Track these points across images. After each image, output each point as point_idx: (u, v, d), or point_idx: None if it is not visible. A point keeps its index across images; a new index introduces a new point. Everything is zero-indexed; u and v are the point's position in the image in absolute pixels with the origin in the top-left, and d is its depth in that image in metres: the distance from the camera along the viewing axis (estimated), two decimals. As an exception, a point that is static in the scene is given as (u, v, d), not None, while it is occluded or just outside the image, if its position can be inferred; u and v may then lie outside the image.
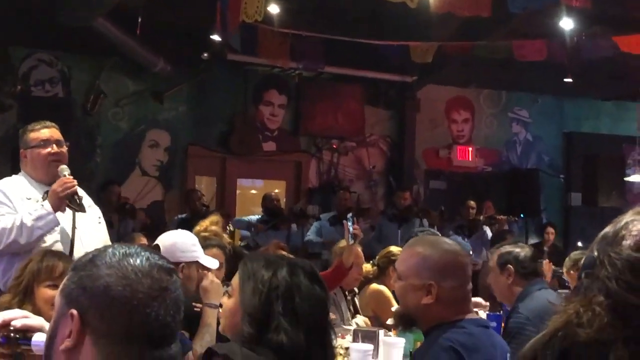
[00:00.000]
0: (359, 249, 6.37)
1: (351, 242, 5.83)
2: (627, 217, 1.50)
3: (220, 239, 4.83)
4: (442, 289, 2.95)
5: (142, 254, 1.58)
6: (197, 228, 4.97)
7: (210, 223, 4.91)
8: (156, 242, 4.42)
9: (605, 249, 1.28)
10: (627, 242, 1.27)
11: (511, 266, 4.73)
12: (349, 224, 5.78)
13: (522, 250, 4.82)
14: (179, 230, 4.59)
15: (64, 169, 4.50)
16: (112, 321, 1.50)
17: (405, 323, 3.12)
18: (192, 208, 10.81)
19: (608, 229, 1.43)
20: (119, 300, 1.50)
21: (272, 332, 2.53)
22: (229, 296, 2.77)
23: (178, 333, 1.60)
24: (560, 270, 7.36)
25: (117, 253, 1.57)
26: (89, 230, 4.57)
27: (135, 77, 12.09)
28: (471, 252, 7.15)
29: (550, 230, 11.95)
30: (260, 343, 2.54)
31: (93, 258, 1.57)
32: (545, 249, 10.75)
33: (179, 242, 4.39)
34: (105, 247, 1.60)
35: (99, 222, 4.71)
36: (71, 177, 4.46)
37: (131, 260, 1.55)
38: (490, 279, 4.88)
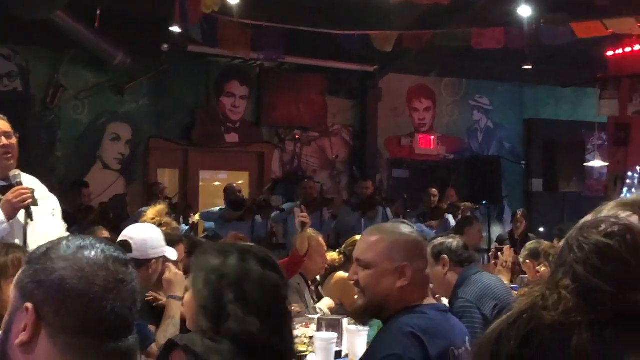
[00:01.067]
0: (320, 238, 6.40)
1: (299, 230, 5.84)
2: (609, 207, 1.52)
3: (170, 228, 4.80)
4: (415, 270, 2.97)
5: (97, 246, 1.58)
6: (146, 219, 4.89)
7: (157, 214, 4.86)
8: (123, 237, 4.37)
9: (575, 235, 1.29)
10: (598, 228, 1.29)
11: (445, 256, 4.82)
12: (297, 212, 5.81)
13: (454, 241, 4.95)
14: (147, 226, 4.56)
15: (17, 175, 4.36)
16: (68, 314, 1.49)
17: (369, 315, 3.12)
18: (155, 201, 10.73)
19: (587, 218, 1.45)
20: (75, 293, 1.50)
21: (226, 321, 2.54)
22: (186, 290, 2.78)
23: (136, 325, 1.60)
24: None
25: (72, 245, 1.56)
26: (43, 222, 4.50)
27: (95, 70, 11.98)
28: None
29: (521, 219, 11.97)
30: (219, 333, 2.55)
31: (47, 251, 1.56)
32: (517, 238, 10.78)
33: (149, 239, 4.37)
34: (60, 240, 1.59)
35: (53, 215, 4.64)
36: (26, 187, 4.33)
37: (86, 253, 1.54)
38: None
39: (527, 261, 6.81)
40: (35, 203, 4.40)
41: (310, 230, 6.25)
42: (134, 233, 4.39)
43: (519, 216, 11.53)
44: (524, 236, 10.74)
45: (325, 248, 6.46)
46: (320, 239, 6.38)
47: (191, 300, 2.69)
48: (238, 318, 2.54)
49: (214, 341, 2.52)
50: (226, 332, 2.53)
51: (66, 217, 4.93)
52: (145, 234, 4.39)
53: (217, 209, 11.05)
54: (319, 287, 6.54)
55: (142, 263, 4.26)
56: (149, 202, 10.91)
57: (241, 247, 2.75)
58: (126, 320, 1.54)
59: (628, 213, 4.55)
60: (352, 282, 3.08)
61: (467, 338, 3.04)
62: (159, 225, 4.69)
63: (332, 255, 6.71)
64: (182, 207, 11.20)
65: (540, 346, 1.24)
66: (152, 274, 4.34)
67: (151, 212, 4.93)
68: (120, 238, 4.38)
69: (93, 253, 1.55)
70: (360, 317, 3.18)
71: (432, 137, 14.47)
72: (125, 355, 1.53)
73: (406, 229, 3.13)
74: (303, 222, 5.84)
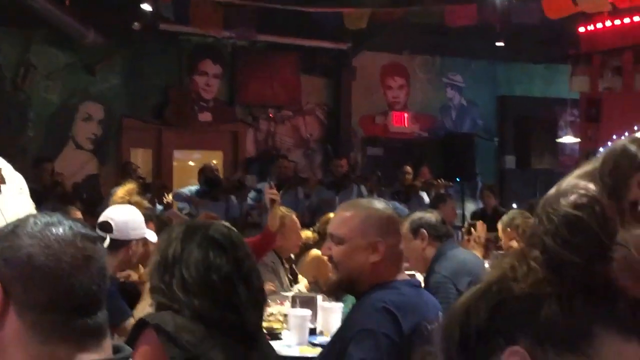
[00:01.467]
0: (294, 216, 6.42)
1: (269, 206, 5.84)
2: (569, 178, 1.52)
3: (140, 208, 4.78)
4: (387, 245, 2.98)
5: (65, 222, 1.56)
6: (115, 198, 4.85)
7: (127, 193, 4.83)
8: (104, 218, 4.35)
9: (544, 206, 1.30)
10: (567, 200, 1.30)
11: (424, 230, 4.85)
12: (265, 190, 5.81)
13: (432, 215, 4.99)
14: (128, 207, 4.54)
15: None
16: (36, 291, 1.48)
17: (342, 290, 3.13)
18: (128, 181, 10.70)
19: (551, 191, 1.44)
20: (43, 270, 1.49)
21: (173, 303, 2.56)
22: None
23: (112, 300, 1.60)
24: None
25: (39, 222, 1.55)
26: (9, 200, 4.46)
27: (66, 50, 11.89)
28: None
29: (487, 193, 12.08)
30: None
31: (14, 229, 1.55)
32: (488, 213, 10.85)
33: (130, 220, 4.36)
34: (27, 217, 1.58)
35: (20, 193, 4.60)
36: None
37: (54, 230, 1.53)
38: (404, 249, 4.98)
39: (508, 229, 6.81)
40: (3, 181, 4.36)
41: (283, 209, 6.26)
42: (114, 214, 4.37)
43: (485, 192, 11.62)
44: (495, 211, 10.82)
45: (299, 226, 6.48)
46: (294, 216, 6.40)
47: None
48: (179, 299, 2.56)
49: (185, 318, 2.54)
50: (177, 311, 2.56)
51: (33, 195, 4.88)
52: (126, 216, 4.38)
53: (187, 190, 11.00)
54: (294, 266, 6.55)
55: (123, 244, 4.27)
56: (122, 182, 10.86)
57: (189, 227, 2.76)
58: (95, 297, 1.53)
59: (586, 182, 4.57)
60: (326, 258, 3.09)
61: (440, 313, 3.06)
62: (128, 204, 4.67)
63: (307, 234, 6.74)
64: (156, 187, 11.15)
65: (510, 318, 1.25)
66: (132, 255, 4.34)
67: (121, 191, 4.89)
68: (100, 219, 4.35)
69: (61, 230, 1.54)
70: (334, 293, 3.19)
71: (406, 115, 14.49)
72: (94, 331, 1.52)
73: (380, 204, 3.14)
74: (272, 199, 5.84)
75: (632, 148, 3.97)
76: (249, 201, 11.18)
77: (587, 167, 3.81)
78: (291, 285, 6.29)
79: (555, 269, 1.24)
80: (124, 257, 4.26)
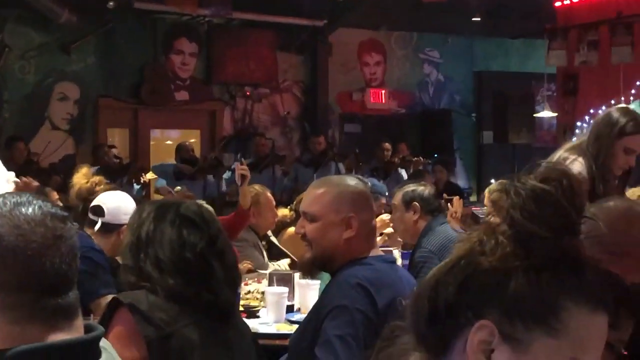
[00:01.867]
0: (268, 193, 6.42)
1: (239, 183, 5.83)
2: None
3: (107, 186, 4.77)
4: (361, 221, 2.98)
5: (34, 202, 1.55)
6: (79, 187, 4.78)
7: (84, 177, 4.80)
8: (97, 202, 4.40)
9: (513, 180, 1.30)
10: (535, 174, 1.30)
11: (417, 203, 4.86)
12: (235, 167, 5.80)
13: (425, 189, 5.01)
14: (120, 193, 4.58)
15: None
16: (6, 271, 1.48)
17: (317, 268, 3.13)
18: (103, 162, 10.70)
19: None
20: (12, 250, 1.48)
21: (146, 281, 2.57)
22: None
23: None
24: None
25: (8, 202, 1.54)
26: None
27: (41, 29, 11.78)
28: (387, 194, 7.24)
29: (439, 168, 12.13)
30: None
31: (-17, 210, 1.54)
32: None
33: (122, 205, 4.39)
34: (-5, 198, 1.57)
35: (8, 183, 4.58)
36: None
37: (23, 209, 1.52)
38: (394, 217, 4.99)
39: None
40: None
41: (257, 186, 6.26)
42: (107, 199, 4.43)
43: (437, 166, 11.68)
44: (446, 186, 10.90)
45: (274, 203, 6.49)
46: (268, 193, 6.41)
47: None
48: (153, 277, 2.57)
49: (158, 296, 2.54)
50: (150, 290, 2.56)
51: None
52: (119, 201, 4.43)
53: (170, 162, 11.00)
54: (272, 239, 6.57)
55: (114, 228, 4.32)
56: (95, 164, 10.82)
57: (161, 205, 2.76)
58: (66, 276, 1.53)
59: (574, 156, 4.56)
60: (300, 236, 3.10)
61: (415, 289, 3.07)
62: (95, 185, 4.68)
63: (283, 211, 6.74)
64: (133, 167, 11.12)
65: (478, 292, 1.25)
66: (123, 240, 4.33)
67: (77, 179, 4.80)
68: (93, 203, 4.42)
69: (30, 209, 1.53)
70: (308, 270, 3.19)
71: (383, 91, 14.48)
72: (65, 311, 1.52)
73: (352, 180, 3.14)
74: (243, 174, 5.83)
75: (615, 115, 3.98)
76: (224, 180, 11.17)
77: (579, 139, 3.83)
78: (269, 261, 6.30)
79: (523, 243, 1.24)
80: (116, 241, 4.27)
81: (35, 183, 4.69)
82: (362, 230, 2.99)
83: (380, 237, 6.05)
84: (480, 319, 1.23)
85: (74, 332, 1.52)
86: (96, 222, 4.31)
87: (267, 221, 6.34)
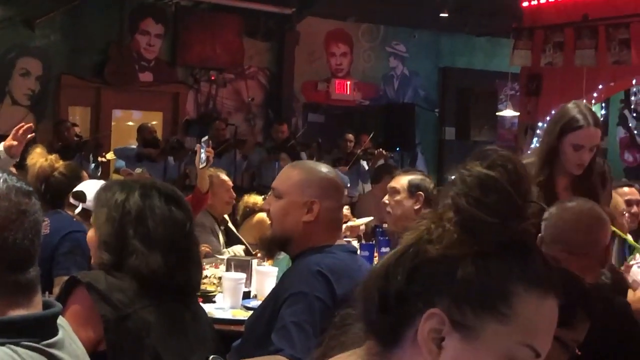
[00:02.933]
0: (223, 174, 6.41)
1: (202, 165, 5.79)
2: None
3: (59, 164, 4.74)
4: (323, 207, 2.99)
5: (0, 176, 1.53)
6: (40, 166, 4.72)
7: (40, 155, 4.75)
8: (79, 188, 4.56)
9: (459, 169, 1.30)
10: (480, 161, 1.30)
11: (422, 193, 4.84)
12: (203, 147, 5.73)
13: (430, 182, 4.99)
14: (102, 182, 4.55)
15: None
16: None
17: (275, 246, 3.14)
18: (63, 139, 10.60)
19: None
20: None
21: (129, 257, 2.54)
22: (91, 226, 2.77)
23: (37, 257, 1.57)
24: None
25: (-28, 175, 1.51)
26: None
27: (5, 3, 11.62)
28: (348, 185, 7.23)
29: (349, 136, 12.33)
30: (122, 270, 2.54)
31: (-54, 183, 1.51)
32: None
33: None
34: (-41, 172, 1.54)
35: None
36: None
37: None
38: (391, 200, 4.92)
39: None
40: None
41: (211, 169, 6.21)
42: (89, 186, 4.57)
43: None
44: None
45: (231, 184, 6.48)
46: (223, 175, 6.40)
47: (94, 236, 2.67)
48: (140, 253, 2.55)
49: (116, 277, 2.52)
50: (128, 268, 2.54)
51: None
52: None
53: (132, 146, 10.92)
54: (229, 225, 6.55)
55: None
56: (55, 141, 10.72)
57: (144, 183, 2.73)
58: (28, 253, 1.50)
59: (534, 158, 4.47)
60: (266, 214, 3.12)
61: (365, 277, 3.07)
62: (54, 164, 4.67)
63: (255, 199, 6.74)
64: (92, 145, 11.04)
65: (427, 280, 1.25)
66: (99, 217, 4.34)
67: (35, 159, 4.73)
68: (75, 189, 4.58)
69: None
70: (267, 248, 3.22)
71: (349, 82, 14.50)
72: (25, 287, 1.50)
73: (324, 168, 3.15)
74: (209, 157, 5.79)
75: (562, 111, 3.95)
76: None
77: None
78: (226, 247, 6.28)
79: (470, 230, 1.24)
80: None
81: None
82: (324, 217, 2.99)
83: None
84: (430, 308, 1.23)
85: (32, 308, 1.50)
86: (76, 207, 4.53)
87: (222, 201, 6.32)
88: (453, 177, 1.30)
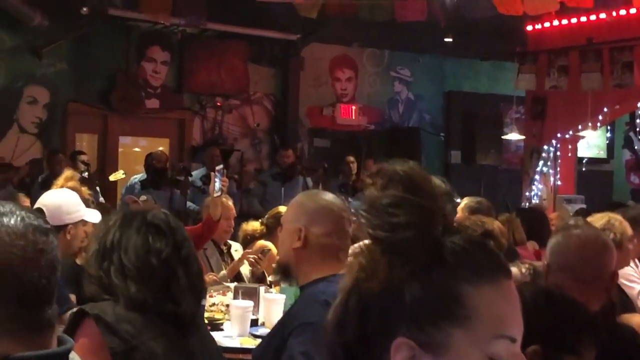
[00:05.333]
0: (230, 202, 6.43)
1: (217, 194, 5.82)
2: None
3: (80, 193, 4.73)
4: (310, 233, 3.00)
5: (17, 213, 1.51)
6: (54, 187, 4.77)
7: (65, 180, 4.76)
8: (37, 204, 4.32)
9: (364, 209, 1.29)
10: (378, 187, 1.30)
11: None
12: (218, 176, 5.76)
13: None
14: (62, 191, 4.48)
15: None
16: None
17: (281, 273, 3.18)
18: (76, 168, 10.64)
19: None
20: None
21: (109, 288, 2.55)
22: None
23: (58, 296, 1.57)
24: None
25: (-10, 212, 1.51)
26: None
27: (12, 32, 11.69)
28: (352, 211, 7.25)
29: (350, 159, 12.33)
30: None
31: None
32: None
33: (64, 204, 4.31)
34: (-23, 208, 1.54)
35: None
36: None
37: (5, 220, 1.48)
38: None
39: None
40: None
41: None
42: (47, 200, 4.34)
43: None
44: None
45: (233, 211, 6.49)
46: (229, 202, 6.42)
47: None
48: (117, 285, 2.55)
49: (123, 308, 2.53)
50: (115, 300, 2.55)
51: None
52: (60, 200, 4.33)
53: (137, 176, 10.85)
54: (231, 251, 6.56)
55: (58, 229, 4.20)
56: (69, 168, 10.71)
57: (127, 214, 2.74)
58: (45, 291, 1.50)
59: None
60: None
61: (323, 334, 3.07)
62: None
63: (254, 225, 6.74)
64: (97, 176, 11.04)
65: (381, 316, 1.24)
66: (72, 240, 4.29)
67: (60, 179, 4.75)
68: (35, 205, 4.33)
69: (12, 221, 1.48)
70: (275, 274, 3.29)
71: (354, 107, 14.52)
72: (41, 325, 1.50)
73: (328, 196, 3.16)
74: (223, 185, 5.82)
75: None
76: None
77: None
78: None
79: (398, 253, 1.23)
80: (63, 243, 4.21)
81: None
82: (314, 243, 3.00)
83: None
84: (394, 340, 1.23)
85: (46, 346, 1.50)
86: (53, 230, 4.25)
87: (221, 229, 6.32)
88: (354, 210, 1.30)
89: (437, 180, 1.45)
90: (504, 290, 1.25)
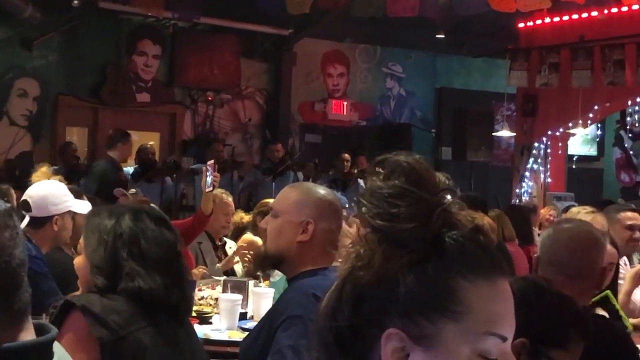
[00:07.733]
0: (230, 199, 6.41)
1: (209, 189, 5.80)
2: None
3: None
4: (318, 228, 2.99)
5: None
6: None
7: (44, 175, 4.71)
8: (24, 197, 4.27)
9: (365, 197, 1.29)
10: (380, 177, 1.30)
11: None
12: (209, 171, 5.75)
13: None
14: (47, 182, 4.45)
15: None
16: None
17: (268, 264, 3.15)
18: (66, 160, 10.63)
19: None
20: None
21: (124, 279, 2.54)
22: (79, 254, 2.77)
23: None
24: None
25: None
26: None
27: (3, 23, 11.65)
28: (346, 205, 7.22)
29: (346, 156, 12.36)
30: (116, 292, 2.54)
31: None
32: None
33: (49, 195, 4.26)
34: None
35: None
36: None
37: None
38: None
39: None
40: None
41: (217, 190, 6.22)
42: (32, 191, 4.29)
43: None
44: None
45: (232, 207, 6.48)
46: (228, 198, 6.40)
47: (84, 262, 2.67)
48: (135, 273, 2.55)
49: (110, 299, 2.52)
50: (124, 290, 2.54)
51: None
52: (45, 190, 4.29)
53: (130, 169, 10.87)
54: (226, 247, 6.55)
55: (45, 220, 4.21)
56: (57, 163, 10.72)
57: (133, 207, 2.77)
58: (19, 277, 1.49)
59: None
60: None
61: (314, 321, 3.06)
62: None
63: (242, 215, 6.73)
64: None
65: (374, 305, 1.23)
66: (60, 231, 4.26)
67: (37, 178, 4.68)
68: (22, 198, 4.30)
69: None
70: (260, 265, 3.24)
71: (345, 103, 14.54)
72: (18, 312, 1.49)
73: (323, 190, 3.16)
74: (214, 183, 5.81)
75: None
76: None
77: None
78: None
79: (395, 243, 1.23)
80: (50, 234, 4.21)
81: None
82: (319, 238, 2.99)
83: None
84: (385, 330, 1.22)
85: (24, 333, 1.48)
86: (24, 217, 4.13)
87: (220, 224, 6.31)
88: (357, 198, 1.29)
89: (441, 176, 1.44)
90: (499, 288, 1.25)
